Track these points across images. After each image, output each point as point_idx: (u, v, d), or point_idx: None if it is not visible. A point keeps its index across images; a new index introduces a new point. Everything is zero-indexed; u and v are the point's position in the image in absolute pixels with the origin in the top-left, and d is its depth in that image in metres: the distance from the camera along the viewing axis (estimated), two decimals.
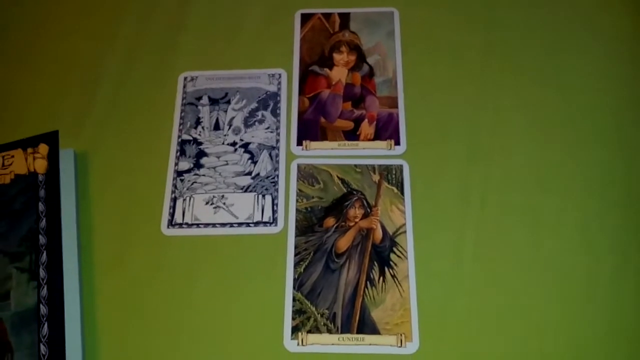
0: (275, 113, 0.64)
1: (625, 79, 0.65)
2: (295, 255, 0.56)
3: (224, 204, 0.59)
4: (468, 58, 0.66)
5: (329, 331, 0.53)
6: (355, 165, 0.61)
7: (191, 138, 0.63)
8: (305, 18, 0.70)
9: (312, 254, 0.57)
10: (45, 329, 0.51)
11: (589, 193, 0.59)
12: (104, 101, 0.66)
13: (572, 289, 0.54)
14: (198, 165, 0.62)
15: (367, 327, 0.53)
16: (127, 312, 0.55)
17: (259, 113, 0.64)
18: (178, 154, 0.62)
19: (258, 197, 0.60)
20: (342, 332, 0.53)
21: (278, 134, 0.63)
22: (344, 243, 0.57)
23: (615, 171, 0.60)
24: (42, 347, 0.51)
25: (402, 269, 0.56)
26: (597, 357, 0.52)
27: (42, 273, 0.54)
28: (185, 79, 0.67)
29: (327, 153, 0.62)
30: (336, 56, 0.67)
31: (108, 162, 0.62)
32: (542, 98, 0.64)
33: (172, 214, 0.59)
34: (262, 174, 0.61)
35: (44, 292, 0.53)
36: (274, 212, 0.59)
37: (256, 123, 0.64)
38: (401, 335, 0.53)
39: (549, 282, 0.55)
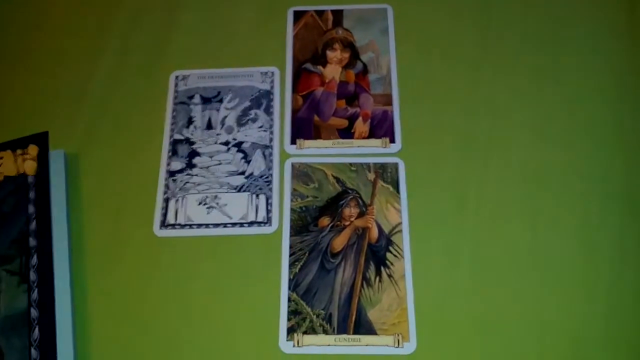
0: (268, 112, 0.64)
1: (627, 75, 0.64)
2: (290, 255, 0.56)
3: (217, 204, 0.59)
4: (463, 54, 0.66)
5: (325, 332, 0.53)
6: (350, 164, 0.60)
7: (183, 138, 0.62)
8: (298, 15, 0.69)
9: (307, 254, 0.56)
10: (36, 333, 0.51)
11: (588, 190, 0.58)
12: (95, 101, 0.65)
13: (571, 288, 0.54)
14: (190, 165, 0.61)
15: (363, 327, 0.53)
16: (120, 314, 0.54)
17: (252, 112, 0.64)
18: (170, 153, 0.62)
19: (252, 196, 0.59)
20: (338, 333, 0.52)
21: (271, 133, 0.62)
22: (339, 243, 0.56)
23: (614, 169, 0.59)
24: (33, 351, 0.50)
25: (398, 268, 0.55)
26: (596, 358, 0.51)
27: (32, 276, 0.53)
28: (176, 77, 0.66)
29: (321, 152, 0.61)
30: (330, 54, 0.66)
31: (99, 162, 0.61)
32: (538, 94, 0.63)
33: (165, 215, 0.58)
34: (256, 173, 0.60)
35: (35, 295, 0.52)
36: (268, 211, 0.58)
37: (249, 122, 0.63)
38: (398, 335, 0.52)
39: (547, 280, 0.54)
